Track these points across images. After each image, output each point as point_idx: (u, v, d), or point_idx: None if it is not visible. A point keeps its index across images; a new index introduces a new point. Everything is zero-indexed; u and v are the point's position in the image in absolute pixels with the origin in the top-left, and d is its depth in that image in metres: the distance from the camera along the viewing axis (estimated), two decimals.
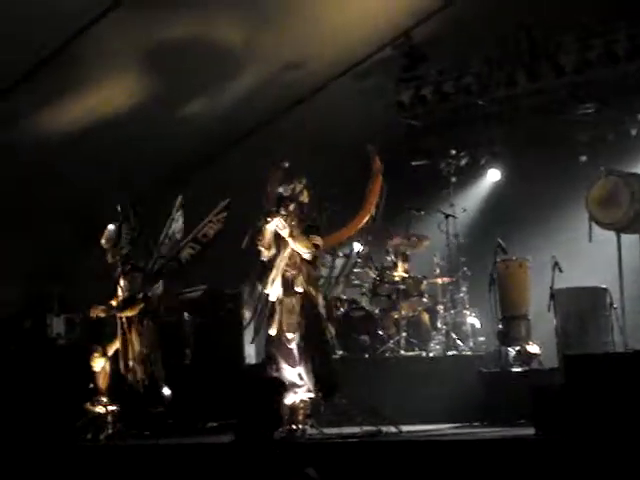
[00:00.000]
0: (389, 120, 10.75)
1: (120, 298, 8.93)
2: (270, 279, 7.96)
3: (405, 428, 7.96)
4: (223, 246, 10.02)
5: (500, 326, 9.50)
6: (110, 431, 8.64)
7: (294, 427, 7.74)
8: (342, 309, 10.53)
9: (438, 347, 10.28)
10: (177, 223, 9.21)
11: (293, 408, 7.83)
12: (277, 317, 7.94)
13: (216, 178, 10.96)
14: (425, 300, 10.60)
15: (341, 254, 10.81)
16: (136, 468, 7.63)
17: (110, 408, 8.75)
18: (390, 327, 10.44)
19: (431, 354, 10.15)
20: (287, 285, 7.98)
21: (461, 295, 10.66)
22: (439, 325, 10.48)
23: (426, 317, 10.57)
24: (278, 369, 7.89)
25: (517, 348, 9.43)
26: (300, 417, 7.80)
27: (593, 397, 6.49)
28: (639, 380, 6.45)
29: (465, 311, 10.55)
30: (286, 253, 8.00)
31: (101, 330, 9.07)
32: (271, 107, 10.83)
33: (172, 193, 9.71)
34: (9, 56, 8.70)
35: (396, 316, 10.40)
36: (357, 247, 10.93)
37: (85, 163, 10.20)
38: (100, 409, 8.77)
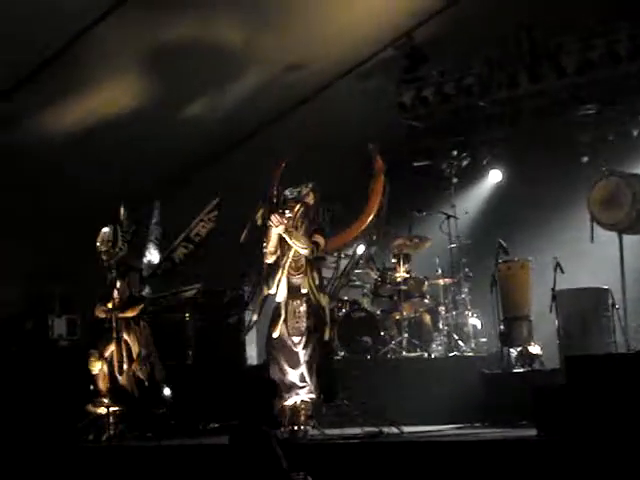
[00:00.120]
0: (390, 121, 10.75)
1: (117, 300, 8.92)
2: (276, 281, 7.96)
3: (406, 429, 7.96)
4: (224, 246, 10.04)
5: (502, 327, 9.49)
6: (112, 432, 8.63)
7: (296, 428, 7.73)
8: (344, 310, 10.53)
9: (440, 348, 10.28)
10: (157, 228, 9.26)
11: (295, 409, 7.83)
12: (282, 319, 7.93)
13: (219, 179, 10.95)
14: (427, 301, 10.60)
15: (343, 255, 10.81)
16: (138, 469, 7.64)
17: (112, 409, 8.75)
18: (392, 328, 10.45)
19: (433, 355, 10.15)
20: (292, 288, 7.98)
21: (463, 296, 10.66)
22: (441, 326, 10.48)
23: (428, 318, 10.57)
24: (279, 371, 7.88)
25: (519, 349, 9.43)
26: (302, 418, 7.80)
27: (595, 398, 6.48)
28: None
29: (467, 312, 10.55)
30: (291, 255, 7.99)
31: (100, 332, 9.06)
32: (273, 108, 10.83)
33: (175, 194, 9.73)
34: (12, 56, 8.72)
35: (398, 317, 10.41)
36: (361, 248, 10.93)
37: (88, 164, 10.22)
38: (102, 410, 8.77)
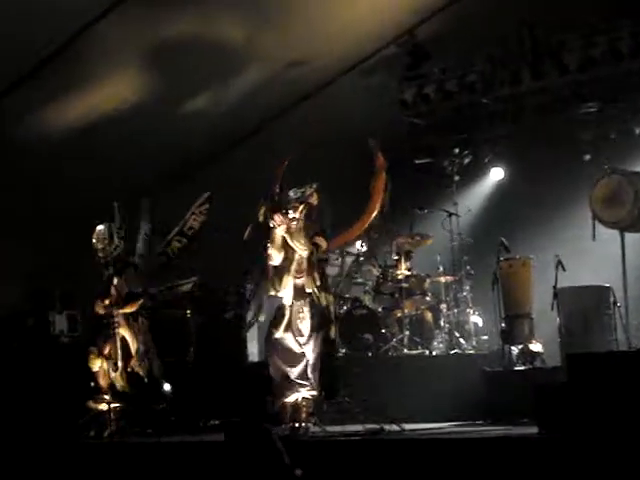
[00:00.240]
0: (392, 118, 10.74)
1: (115, 296, 8.92)
2: (283, 283, 7.94)
3: (408, 426, 7.95)
4: (226, 243, 10.04)
5: (503, 325, 9.49)
6: (112, 428, 8.63)
7: (297, 425, 7.73)
8: (345, 307, 10.53)
9: (441, 346, 10.28)
10: (146, 225, 9.27)
11: (296, 406, 7.83)
12: (286, 320, 7.92)
13: (220, 174, 10.96)
14: (428, 298, 10.60)
15: (346, 252, 10.84)
16: (139, 465, 7.64)
17: (112, 406, 8.75)
18: (393, 325, 10.44)
19: (434, 352, 10.14)
20: (296, 288, 7.96)
21: (464, 294, 10.65)
22: (442, 324, 10.47)
23: (429, 315, 10.56)
24: (280, 369, 7.87)
25: (520, 347, 9.42)
26: (303, 415, 7.80)
27: (596, 396, 6.48)
28: None
29: (468, 310, 10.54)
30: (296, 256, 7.98)
31: (99, 329, 9.06)
32: (276, 104, 10.83)
33: (176, 189, 9.73)
34: (14, 53, 8.72)
35: (399, 314, 10.40)
36: (361, 245, 10.97)
37: (89, 160, 10.23)
38: (103, 407, 8.78)
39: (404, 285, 10.44)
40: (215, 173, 11.10)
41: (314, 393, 7.85)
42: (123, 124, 10.03)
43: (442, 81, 10.42)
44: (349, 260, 10.98)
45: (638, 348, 8.54)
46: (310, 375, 7.81)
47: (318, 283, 7.95)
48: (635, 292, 9.57)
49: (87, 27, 8.76)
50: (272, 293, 8.02)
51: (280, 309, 8.00)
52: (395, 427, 7.85)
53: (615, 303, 9.13)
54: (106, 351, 8.88)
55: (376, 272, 10.81)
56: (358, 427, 7.81)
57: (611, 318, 9.10)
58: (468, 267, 10.70)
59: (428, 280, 10.64)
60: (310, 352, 7.82)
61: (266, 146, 10.61)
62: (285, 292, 7.95)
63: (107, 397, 8.79)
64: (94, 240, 8.97)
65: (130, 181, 10.47)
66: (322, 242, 8.02)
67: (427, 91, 10.44)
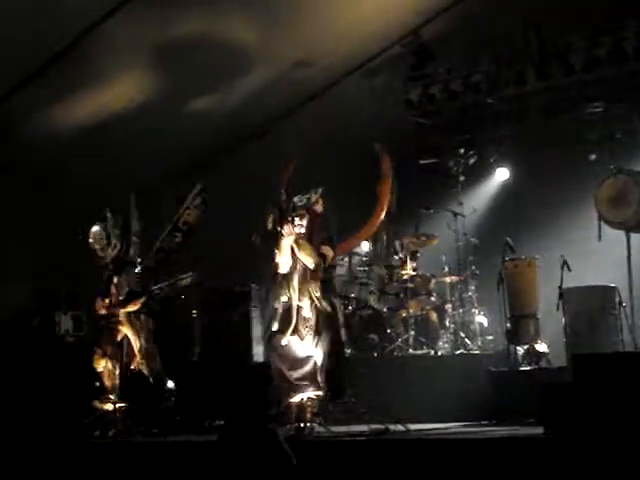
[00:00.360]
0: (397, 118, 10.74)
1: (116, 295, 8.92)
2: (290, 289, 7.94)
3: (413, 426, 7.94)
4: (232, 243, 10.05)
5: (508, 325, 9.48)
6: (118, 428, 8.64)
7: (302, 425, 7.73)
8: (350, 307, 10.53)
9: (446, 346, 10.28)
10: (135, 222, 9.27)
11: (301, 406, 7.83)
12: (293, 323, 7.91)
13: (227, 173, 10.98)
14: (433, 299, 10.60)
15: (352, 252, 10.85)
16: (144, 465, 7.64)
17: (118, 405, 8.76)
18: (398, 325, 10.44)
19: (439, 353, 10.14)
20: (303, 294, 7.95)
21: (469, 294, 10.65)
22: (447, 324, 10.47)
23: (434, 316, 10.57)
24: (284, 372, 7.86)
25: (526, 347, 9.42)
26: (308, 415, 7.80)
27: (602, 396, 6.47)
28: None
29: (473, 310, 10.54)
30: (301, 264, 7.97)
31: (101, 329, 9.07)
32: (282, 104, 10.84)
33: (182, 188, 9.73)
34: (21, 52, 8.74)
35: (404, 314, 10.40)
36: (366, 246, 10.97)
37: (95, 159, 10.24)
38: (108, 406, 8.79)
39: (409, 285, 10.44)
40: (221, 172, 11.11)
41: (319, 393, 7.85)
42: (130, 123, 10.05)
43: (447, 81, 10.41)
44: (355, 260, 10.99)
45: None
46: (318, 378, 7.81)
47: (319, 294, 7.94)
48: None
49: (94, 26, 8.78)
50: (283, 299, 8.01)
51: (286, 313, 7.98)
52: (400, 427, 7.84)
53: (621, 303, 9.12)
54: (110, 351, 8.89)
55: (381, 272, 10.81)
56: (363, 427, 7.80)
57: (617, 318, 9.09)
58: (473, 267, 10.70)
59: (433, 280, 10.64)
60: (317, 355, 7.81)
61: (272, 146, 10.62)
62: (292, 297, 7.95)
63: (112, 397, 8.80)
64: (91, 241, 8.96)
65: (137, 180, 10.47)
66: (329, 252, 8.00)
67: (433, 91, 10.43)
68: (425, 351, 10.16)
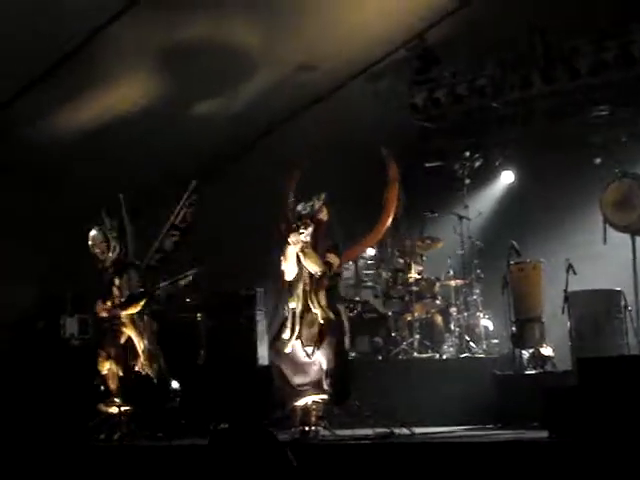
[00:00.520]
0: (402, 122, 10.74)
1: (118, 298, 8.93)
2: (295, 296, 7.95)
3: (417, 430, 7.95)
4: (236, 247, 10.07)
5: (513, 328, 9.48)
6: (123, 431, 8.64)
7: (307, 428, 7.73)
8: (355, 311, 10.53)
9: (451, 349, 10.27)
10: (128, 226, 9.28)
11: (306, 410, 7.83)
12: (297, 329, 7.91)
13: (231, 177, 10.99)
14: (438, 302, 10.60)
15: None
16: (149, 469, 7.64)
17: (123, 408, 8.77)
18: (403, 329, 10.45)
19: (444, 356, 10.14)
20: (308, 300, 7.95)
21: (474, 297, 10.65)
22: (452, 327, 10.47)
23: (439, 319, 10.57)
24: (287, 377, 7.86)
25: (531, 350, 9.42)
26: (313, 419, 7.80)
27: (607, 400, 6.46)
28: None
29: (478, 313, 10.53)
30: (307, 271, 7.98)
31: (104, 331, 9.08)
32: (286, 107, 10.85)
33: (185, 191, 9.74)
34: (26, 55, 8.75)
35: (409, 318, 10.40)
36: (372, 250, 10.98)
37: (98, 161, 10.25)
38: (113, 409, 8.79)
39: (414, 288, 10.44)
40: (225, 175, 11.12)
41: (324, 397, 7.85)
42: (134, 126, 10.05)
43: (453, 85, 10.40)
44: (361, 264, 11.00)
45: None
46: (323, 383, 7.80)
47: (324, 302, 7.94)
48: None
49: (99, 29, 8.79)
50: (290, 306, 8.02)
51: (291, 320, 7.98)
52: (405, 431, 7.85)
53: (626, 307, 9.13)
54: (114, 353, 8.90)
55: (386, 276, 10.81)
56: (368, 431, 7.80)
57: (622, 322, 9.09)
58: (478, 270, 10.70)
59: (438, 283, 10.65)
60: (322, 360, 7.81)
61: (276, 149, 10.63)
62: (297, 304, 7.95)
63: (117, 400, 8.81)
64: (90, 244, 8.98)
65: (139, 182, 10.49)
66: (334, 259, 7.99)
67: (438, 95, 10.42)
68: (430, 354, 10.16)
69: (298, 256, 7.89)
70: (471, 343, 10.21)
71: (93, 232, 8.98)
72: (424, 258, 10.85)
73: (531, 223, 10.92)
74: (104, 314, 9.00)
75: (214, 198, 10.00)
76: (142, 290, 9.04)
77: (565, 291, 9.02)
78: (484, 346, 10.27)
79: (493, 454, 6.59)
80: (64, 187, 10.38)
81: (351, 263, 10.91)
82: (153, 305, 9.30)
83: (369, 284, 11.02)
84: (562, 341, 9.30)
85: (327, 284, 7.95)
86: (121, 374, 8.82)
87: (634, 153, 10.18)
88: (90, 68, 9.30)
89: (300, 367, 7.84)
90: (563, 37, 9.80)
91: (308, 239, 7.87)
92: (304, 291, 7.92)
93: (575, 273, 9.09)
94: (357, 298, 10.79)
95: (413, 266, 10.56)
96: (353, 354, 9.97)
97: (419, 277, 10.55)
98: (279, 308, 8.25)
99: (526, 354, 9.43)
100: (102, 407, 8.84)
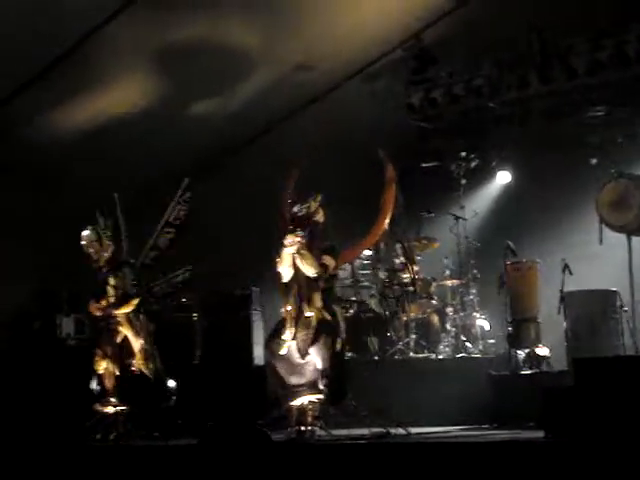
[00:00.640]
0: (399, 122, 10.74)
1: (112, 297, 8.93)
2: (290, 297, 7.94)
3: (414, 430, 7.95)
4: (233, 247, 10.06)
5: (510, 328, 9.49)
6: (119, 431, 8.64)
7: (303, 428, 7.73)
8: (351, 311, 10.53)
9: (447, 349, 10.28)
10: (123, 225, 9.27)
11: (302, 410, 7.82)
12: (292, 330, 7.90)
13: (229, 176, 10.99)
14: (434, 302, 10.60)
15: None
16: (145, 468, 7.64)
17: (119, 408, 8.76)
18: (399, 329, 10.44)
19: (440, 356, 10.14)
20: (305, 301, 7.95)
21: (471, 297, 10.65)
22: (448, 327, 10.47)
23: (435, 319, 10.57)
24: (282, 377, 7.86)
25: (527, 351, 9.43)
26: (309, 419, 7.79)
27: (603, 400, 6.46)
28: None
29: (475, 313, 10.54)
30: (303, 272, 7.98)
31: (100, 331, 9.07)
32: (284, 107, 10.85)
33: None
34: (23, 54, 8.75)
35: (405, 318, 10.40)
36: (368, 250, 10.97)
37: (97, 162, 10.25)
38: (109, 409, 8.79)
39: (410, 289, 10.43)
40: (223, 175, 11.12)
41: (320, 397, 7.84)
42: (132, 126, 10.06)
43: (449, 85, 10.40)
44: (357, 263, 10.99)
45: None
46: (318, 383, 7.80)
47: (320, 303, 7.94)
48: None
49: (96, 29, 8.79)
50: (285, 308, 8.01)
51: (287, 321, 7.97)
52: (401, 431, 7.84)
53: (622, 307, 9.14)
54: (110, 352, 8.89)
55: (382, 276, 10.81)
56: (364, 431, 7.80)
57: (618, 322, 9.10)
58: (475, 271, 10.70)
59: (434, 284, 10.65)
60: (317, 361, 7.80)
61: (274, 149, 10.63)
62: (293, 304, 7.94)
63: (113, 399, 8.80)
64: (84, 244, 8.97)
65: (138, 181, 10.49)
66: (330, 261, 7.97)
67: (434, 95, 10.42)
68: (426, 354, 10.16)
69: (294, 258, 7.88)
70: (467, 343, 10.21)
71: (86, 232, 8.98)
72: (420, 258, 10.84)
73: (527, 223, 10.93)
74: (98, 313, 8.99)
75: (212, 197, 10.00)
76: (135, 290, 9.03)
77: (561, 291, 9.03)
78: (480, 346, 10.28)
79: (489, 454, 6.59)
80: (64, 187, 10.38)
81: (346, 264, 10.90)
82: (152, 304, 9.29)
83: (365, 284, 11.02)
84: (558, 341, 9.31)
85: (323, 286, 7.94)
86: (117, 373, 8.82)
87: (630, 154, 10.19)
88: (88, 68, 9.30)
89: (296, 368, 7.82)
90: (560, 36, 9.80)
91: (304, 241, 7.86)
92: (300, 293, 7.91)
93: (571, 273, 9.10)
94: (353, 298, 10.78)
95: (409, 266, 10.55)
96: (349, 354, 9.97)
97: (416, 277, 10.54)
98: (275, 309, 8.24)
99: (522, 354, 9.44)
100: (98, 407, 8.83)
